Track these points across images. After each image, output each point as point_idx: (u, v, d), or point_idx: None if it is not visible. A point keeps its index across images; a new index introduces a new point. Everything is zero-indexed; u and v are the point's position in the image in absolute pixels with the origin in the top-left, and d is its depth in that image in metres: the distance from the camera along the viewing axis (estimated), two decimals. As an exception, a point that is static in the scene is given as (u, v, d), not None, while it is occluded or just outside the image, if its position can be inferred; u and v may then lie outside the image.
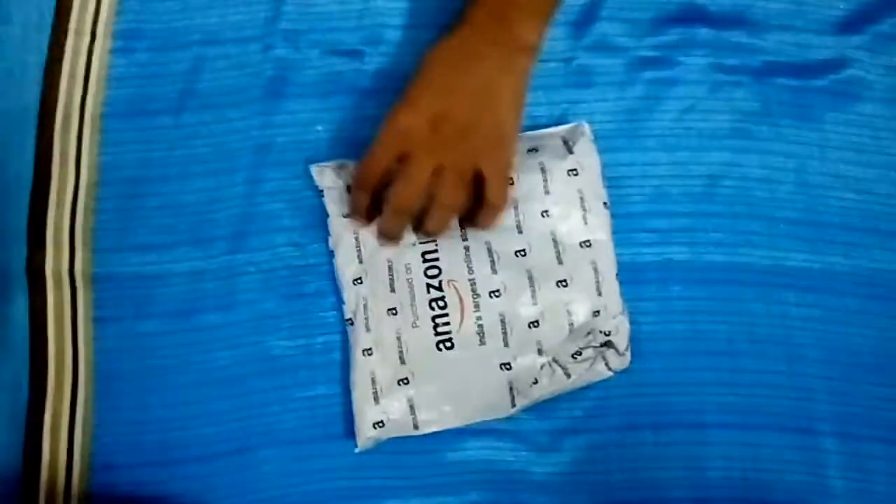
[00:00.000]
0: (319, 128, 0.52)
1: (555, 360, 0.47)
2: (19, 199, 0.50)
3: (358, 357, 0.47)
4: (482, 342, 0.47)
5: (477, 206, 0.46)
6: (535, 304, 0.47)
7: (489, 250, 0.48)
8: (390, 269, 0.48)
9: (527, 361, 0.46)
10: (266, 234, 0.50)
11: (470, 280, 0.47)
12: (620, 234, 0.51)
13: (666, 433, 0.48)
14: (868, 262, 0.51)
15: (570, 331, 0.47)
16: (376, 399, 0.46)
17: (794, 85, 0.53)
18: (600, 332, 0.47)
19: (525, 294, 0.47)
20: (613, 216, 0.50)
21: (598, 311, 0.47)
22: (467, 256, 0.48)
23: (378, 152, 0.44)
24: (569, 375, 0.47)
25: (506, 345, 0.47)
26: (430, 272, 0.47)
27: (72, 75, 0.52)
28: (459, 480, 0.48)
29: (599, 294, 0.47)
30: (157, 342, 0.49)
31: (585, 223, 0.48)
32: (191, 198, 0.51)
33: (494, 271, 0.47)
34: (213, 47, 0.53)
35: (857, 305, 0.50)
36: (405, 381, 0.46)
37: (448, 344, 0.47)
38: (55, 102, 0.51)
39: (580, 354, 0.47)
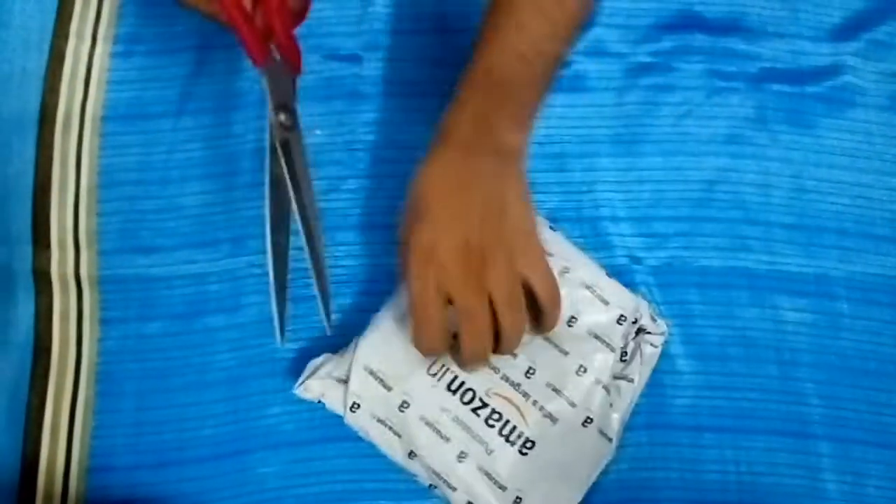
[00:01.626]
0: (318, 132, 0.52)
1: (613, 378, 0.46)
2: (22, 201, 0.50)
3: (453, 465, 0.44)
4: (553, 421, 0.45)
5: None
6: (567, 353, 0.46)
7: None
8: (428, 424, 0.44)
9: (597, 402, 0.45)
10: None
11: (501, 377, 0.45)
12: (616, 238, 0.51)
13: (660, 434, 0.48)
14: (862, 267, 0.51)
15: (612, 349, 0.46)
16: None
17: (790, 91, 0.54)
18: (632, 324, 0.47)
19: (553, 352, 0.46)
20: (613, 220, 0.51)
21: (622, 317, 0.46)
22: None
23: (428, 312, 0.40)
24: (632, 380, 0.46)
25: (572, 405, 0.45)
26: (465, 398, 0.45)
27: (72, 79, 0.52)
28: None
29: (606, 303, 0.46)
30: (160, 344, 0.49)
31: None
32: (191, 200, 0.51)
33: (514, 356, 0.45)
34: (213, 52, 0.53)
35: (851, 310, 0.50)
36: (518, 501, 0.44)
37: (529, 444, 0.44)
38: (56, 106, 0.52)
39: (626, 355, 0.46)
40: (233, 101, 0.52)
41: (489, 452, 0.44)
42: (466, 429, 0.44)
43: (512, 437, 0.44)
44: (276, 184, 0.44)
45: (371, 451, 0.47)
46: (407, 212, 0.41)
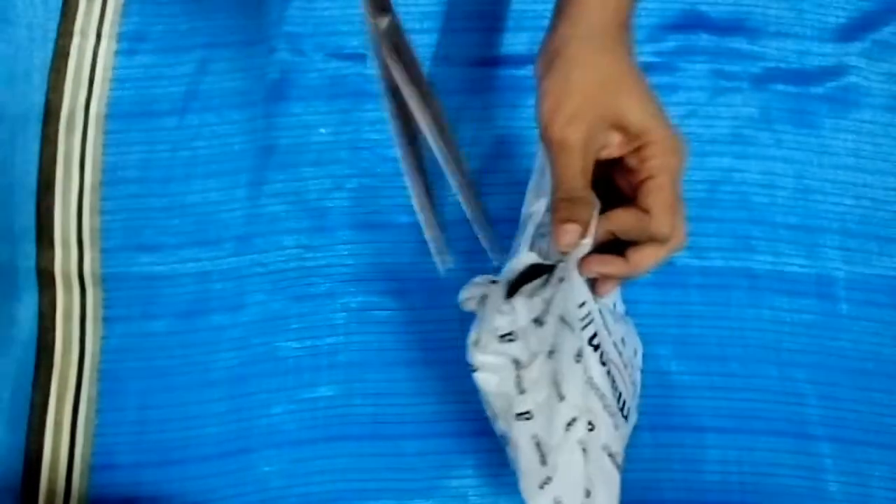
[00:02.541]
0: (323, 130, 0.52)
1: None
2: (26, 198, 0.50)
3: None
4: (634, 393, 0.40)
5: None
6: (628, 331, 0.41)
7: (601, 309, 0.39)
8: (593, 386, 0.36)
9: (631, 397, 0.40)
10: (273, 236, 0.50)
11: (613, 343, 0.39)
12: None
13: (664, 435, 0.49)
14: (865, 268, 0.51)
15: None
16: None
17: (794, 91, 0.54)
18: None
19: (625, 327, 0.41)
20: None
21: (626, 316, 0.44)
22: (604, 318, 0.39)
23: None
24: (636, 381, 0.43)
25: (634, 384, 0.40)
26: (602, 358, 0.37)
27: (77, 76, 0.52)
28: (459, 483, 0.48)
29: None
30: (163, 342, 0.49)
31: None
32: (195, 199, 0.51)
33: (616, 321, 0.40)
34: (217, 50, 0.53)
35: (851, 311, 0.50)
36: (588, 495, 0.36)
37: (625, 413, 0.38)
38: (60, 103, 0.52)
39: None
40: (237, 98, 0.52)
41: (616, 427, 0.37)
42: (601, 396, 0.36)
43: (624, 411, 0.38)
44: (393, 93, 0.40)
45: (373, 451, 0.47)
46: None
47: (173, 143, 0.52)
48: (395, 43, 0.38)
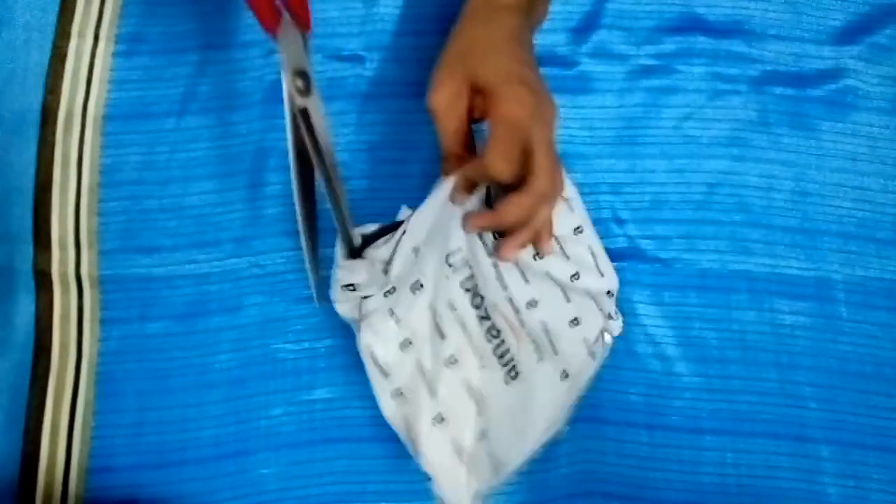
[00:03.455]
0: (321, 132, 0.52)
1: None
2: (23, 200, 0.50)
3: (426, 431, 0.41)
4: (540, 358, 0.44)
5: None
6: (569, 301, 0.45)
7: (517, 265, 0.45)
8: (435, 313, 0.42)
9: (578, 361, 0.44)
10: (271, 238, 0.50)
11: (507, 296, 0.44)
12: (619, 239, 0.51)
13: (661, 435, 0.49)
14: (863, 271, 0.51)
15: (602, 317, 0.45)
16: (468, 473, 0.42)
17: (791, 94, 0.54)
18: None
19: (558, 293, 0.45)
20: (612, 222, 0.51)
21: (609, 293, 0.47)
22: (498, 274, 0.44)
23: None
24: (594, 356, 0.46)
25: (555, 352, 0.44)
26: (475, 301, 0.43)
27: (74, 78, 0.52)
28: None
29: (602, 275, 0.47)
30: (161, 344, 0.49)
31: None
32: (193, 201, 0.51)
33: (526, 281, 0.44)
34: (215, 51, 0.53)
35: (850, 314, 0.51)
36: (484, 436, 0.41)
37: (513, 373, 0.43)
38: (57, 105, 0.52)
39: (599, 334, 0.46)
40: (235, 100, 0.52)
41: (481, 367, 0.42)
42: (467, 334, 0.42)
43: (504, 360, 0.42)
44: (299, 153, 0.43)
45: (371, 454, 0.47)
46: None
47: (171, 145, 0.52)
48: (304, 106, 0.41)
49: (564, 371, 0.44)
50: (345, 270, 0.42)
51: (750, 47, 0.54)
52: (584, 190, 0.52)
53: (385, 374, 0.42)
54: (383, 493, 0.48)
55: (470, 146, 0.43)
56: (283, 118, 0.41)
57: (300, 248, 0.50)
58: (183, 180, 0.51)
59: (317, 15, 0.54)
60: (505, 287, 0.44)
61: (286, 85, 0.40)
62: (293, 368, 0.49)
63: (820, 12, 0.55)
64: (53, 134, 0.51)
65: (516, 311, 0.44)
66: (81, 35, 0.53)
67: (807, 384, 0.49)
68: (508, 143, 0.40)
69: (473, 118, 0.43)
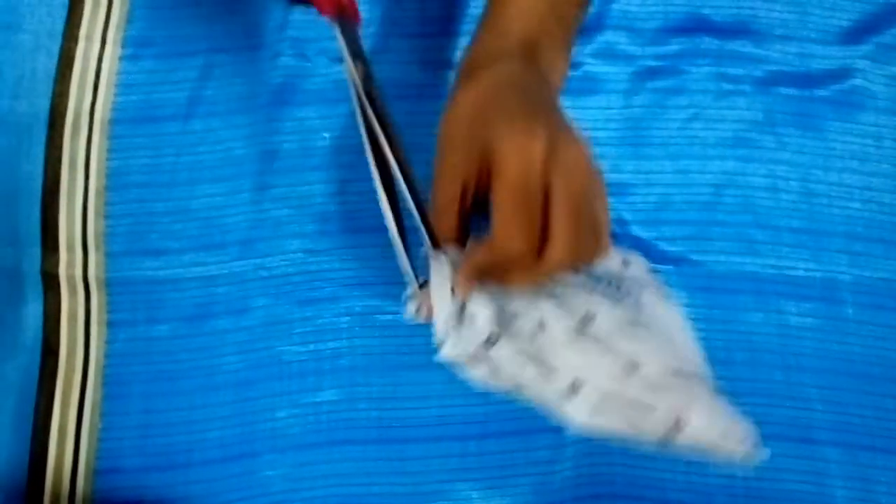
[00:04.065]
0: (326, 135, 0.52)
1: None
2: (31, 202, 0.50)
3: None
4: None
5: None
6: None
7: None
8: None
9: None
10: (277, 240, 0.50)
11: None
12: (624, 242, 0.51)
13: (668, 437, 0.49)
14: (871, 272, 0.51)
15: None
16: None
17: (798, 94, 0.54)
18: None
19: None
20: (619, 223, 0.51)
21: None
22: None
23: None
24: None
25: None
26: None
27: (81, 81, 0.52)
28: (464, 487, 0.48)
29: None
30: (168, 346, 0.49)
31: None
32: (199, 203, 0.51)
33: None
34: (221, 55, 0.53)
35: (857, 315, 0.50)
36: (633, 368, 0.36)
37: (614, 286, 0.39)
38: (65, 108, 0.52)
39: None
40: (242, 104, 0.52)
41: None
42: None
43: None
44: (371, 137, 0.39)
45: (378, 455, 0.47)
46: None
47: (177, 148, 0.52)
48: (370, 89, 0.38)
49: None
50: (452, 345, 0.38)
51: (756, 47, 0.54)
52: (590, 191, 0.52)
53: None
54: (389, 495, 0.48)
55: (464, 225, 0.38)
56: (352, 107, 0.39)
57: (306, 251, 0.50)
58: (189, 183, 0.51)
59: (319, 18, 0.54)
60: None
61: (350, 69, 0.38)
62: (299, 370, 0.49)
63: (826, 12, 0.55)
64: (61, 137, 0.52)
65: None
66: (89, 39, 0.53)
67: (814, 386, 0.49)
68: (516, 208, 0.33)
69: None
